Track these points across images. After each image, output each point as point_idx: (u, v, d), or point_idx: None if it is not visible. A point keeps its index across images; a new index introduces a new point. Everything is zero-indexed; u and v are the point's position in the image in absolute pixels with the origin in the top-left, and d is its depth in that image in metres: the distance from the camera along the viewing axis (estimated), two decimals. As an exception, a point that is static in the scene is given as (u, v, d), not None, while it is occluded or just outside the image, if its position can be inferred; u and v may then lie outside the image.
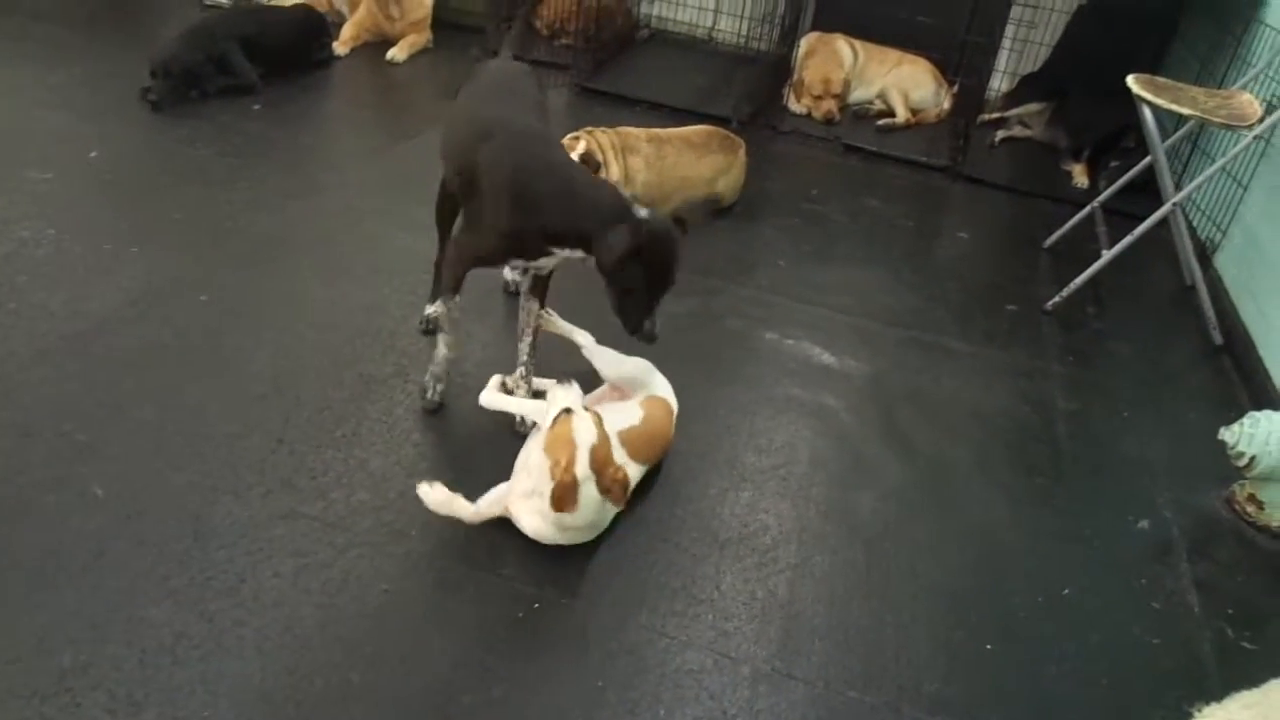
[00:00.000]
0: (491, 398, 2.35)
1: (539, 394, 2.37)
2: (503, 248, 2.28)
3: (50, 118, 3.82)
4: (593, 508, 2.07)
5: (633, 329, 2.19)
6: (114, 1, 5.21)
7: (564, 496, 2.00)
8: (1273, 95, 3.42)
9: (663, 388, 2.50)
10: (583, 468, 2.01)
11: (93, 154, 3.56)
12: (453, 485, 2.19)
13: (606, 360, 2.51)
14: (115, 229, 3.10)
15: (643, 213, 2.13)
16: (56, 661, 1.75)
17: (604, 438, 2.06)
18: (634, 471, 2.27)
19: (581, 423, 2.05)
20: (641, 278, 2.12)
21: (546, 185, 2.17)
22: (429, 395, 2.50)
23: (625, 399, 2.45)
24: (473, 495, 2.17)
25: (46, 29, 4.66)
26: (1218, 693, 1.89)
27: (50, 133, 3.71)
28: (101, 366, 2.50)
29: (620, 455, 2.21)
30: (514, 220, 2.18)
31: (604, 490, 2.05)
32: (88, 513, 2.07)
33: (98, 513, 2.07)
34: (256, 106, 4.18)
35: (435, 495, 2.09)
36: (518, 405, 2.37)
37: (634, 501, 2.27)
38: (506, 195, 2.18)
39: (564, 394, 2.12)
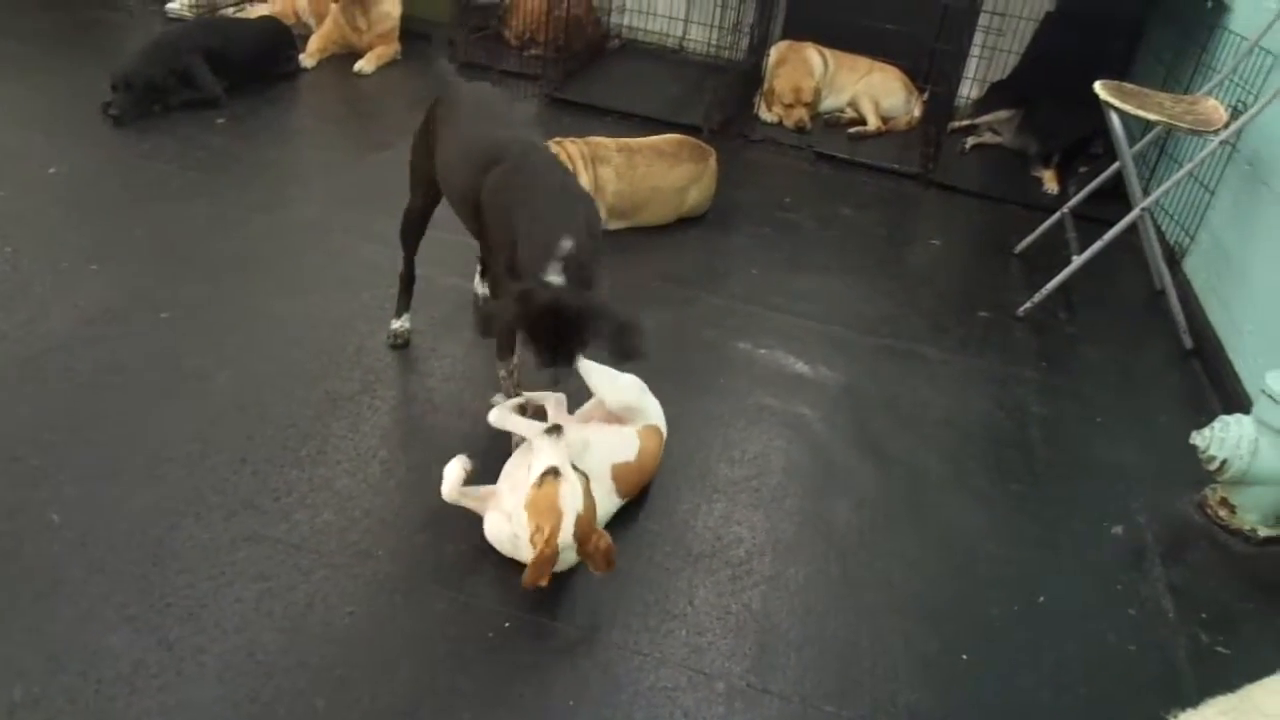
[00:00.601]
0: (501, 415, 2.25)
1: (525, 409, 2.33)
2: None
3: (6, 133, 3.75)
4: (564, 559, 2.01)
5: (540, 365, 2.11)
6: (75, 16, 5.13)
7: (542, 570, 1.91)
8: (1238, 100, 3.44)
9: (656, 414, 2.45)
10: (566, 537, 1.93)
11: (51, 169, 3.49)
12: (421, 502, 2.18)
13: (601, 378, 2.39)
14: (73, 246, 3.04)
15: (552, 278, 2.01)
16: (6, 695, 1.69)
17: (590, 505, 2.00)
18: (615, 504, 2.24)
19: (568, 488, 1.95)
20: (528, 340, 2.04)
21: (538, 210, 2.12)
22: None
23: (616, 419, 2.40)
24: (441, 514, 2.15)
25: (2, 44, 4.57)
26: (1193, 698, 1.87)
27: (6, 148, 3.64)
28: (57, 389, 2.44)
29: (607, 486, 2.19)
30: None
31: (584, 556, 1.98)
32: (43, 540, 2.01)
33: (53, 540, 2.01)
34: (220, 120, 4.12)
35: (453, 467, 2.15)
36: (524, 427, 2.22)
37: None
38: (520, 217, 2.12)
39: (551, 449, 2.00)
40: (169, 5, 5.28)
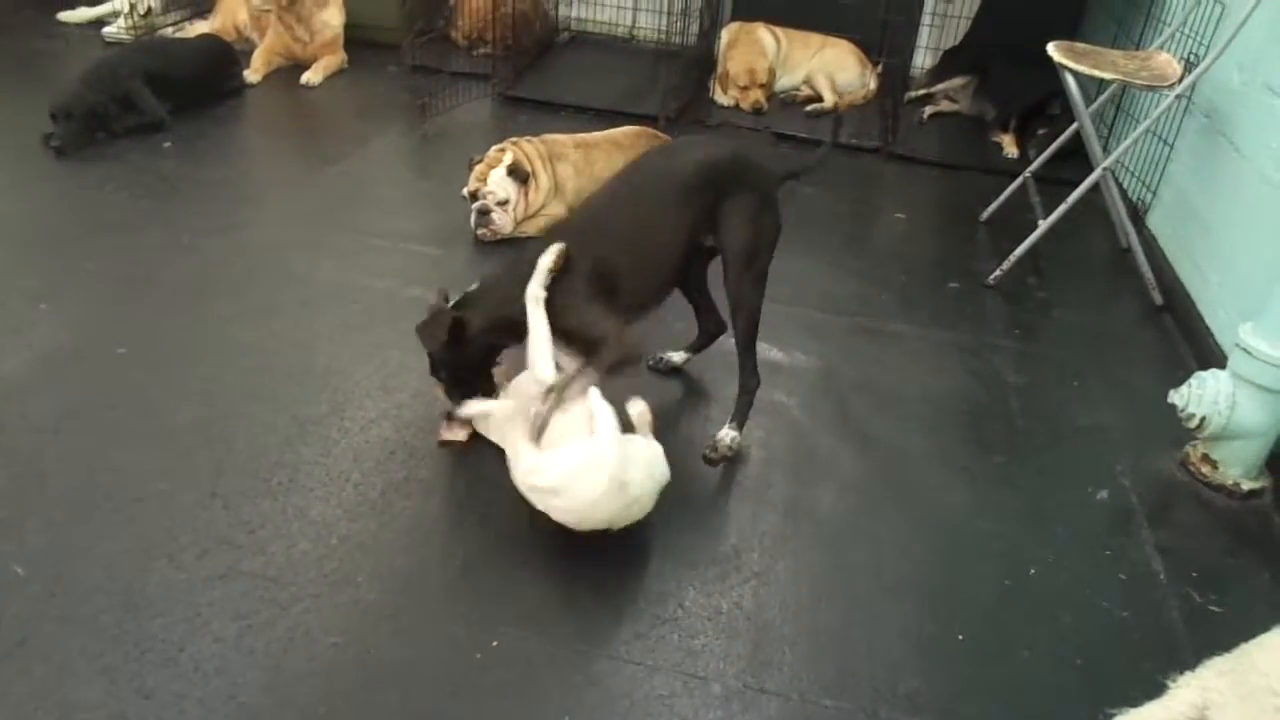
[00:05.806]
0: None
1: None
2: None
3: (-53, 173, 3.65)
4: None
5: None
6: (7, 47, 5.00)
7: None
8: (1190, 53, 3.43)
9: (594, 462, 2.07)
10: None
11: (-5, 208, 3.40)
12: (398, 523, 2.13)
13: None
14: (21, 286, 2.95)
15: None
16: (-19, 762, 1.64)
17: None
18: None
19: None
20: None
21: None
22: None
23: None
24: (420, 534, 2.10)
25: (-63, 80, 4.46)
26: (1190, 660, 1.85)
27: (-52, 189, 3.54)
28: (16, 434, 2.37)
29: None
30: None
31: None
32: (8, 595, 1.94)
33: (19, 593, 1.95)
34: (167, 144, 4.02)
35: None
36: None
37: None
38: None
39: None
40: (105, 29, 5.16)
